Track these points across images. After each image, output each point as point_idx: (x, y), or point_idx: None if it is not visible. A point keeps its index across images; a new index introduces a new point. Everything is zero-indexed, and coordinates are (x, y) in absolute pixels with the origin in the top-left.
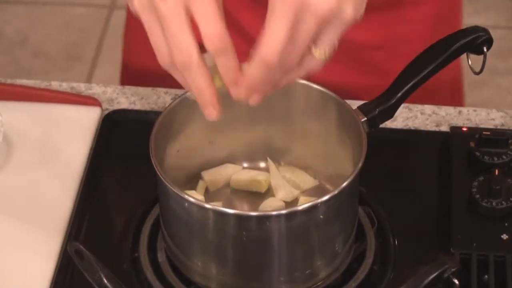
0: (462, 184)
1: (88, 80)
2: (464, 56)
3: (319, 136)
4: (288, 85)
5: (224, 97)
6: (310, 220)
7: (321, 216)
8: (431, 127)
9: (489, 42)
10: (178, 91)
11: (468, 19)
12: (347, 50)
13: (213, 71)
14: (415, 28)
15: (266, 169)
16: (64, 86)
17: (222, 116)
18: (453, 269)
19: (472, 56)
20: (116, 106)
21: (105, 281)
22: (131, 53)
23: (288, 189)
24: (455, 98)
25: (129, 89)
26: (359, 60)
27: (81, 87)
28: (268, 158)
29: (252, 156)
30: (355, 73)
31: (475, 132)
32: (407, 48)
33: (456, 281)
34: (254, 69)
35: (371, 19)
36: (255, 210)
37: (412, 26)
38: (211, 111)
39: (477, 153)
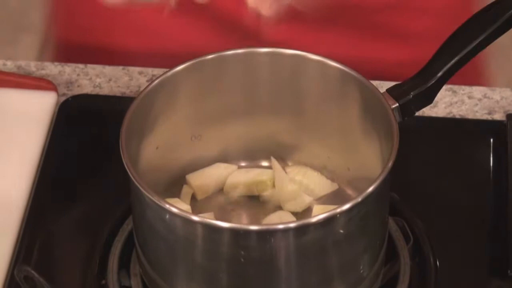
0: None
1: (40, 57)
2: None
3: (338, 127)
4: None
5: (215, 80)
6: (326, 236)
7: (341, 231)
8: (481, 114)
9: None
10: (156, 71)
11: None
12: (355, 17)
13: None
14: None
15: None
16: (9, 65)
17: (213, 103)
18: None
19: None
20: (77, 91)
21: None
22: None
23: (298, 196)
24: None
25: (93, 68)
26: (371, 27)
27: (31, 67)
28: (271, 157)
29: (251, 154)
30: (369, 44)
31: None
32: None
33: None
34: None
35: None
36: (256, 223)
37: None
38: None
39: None
